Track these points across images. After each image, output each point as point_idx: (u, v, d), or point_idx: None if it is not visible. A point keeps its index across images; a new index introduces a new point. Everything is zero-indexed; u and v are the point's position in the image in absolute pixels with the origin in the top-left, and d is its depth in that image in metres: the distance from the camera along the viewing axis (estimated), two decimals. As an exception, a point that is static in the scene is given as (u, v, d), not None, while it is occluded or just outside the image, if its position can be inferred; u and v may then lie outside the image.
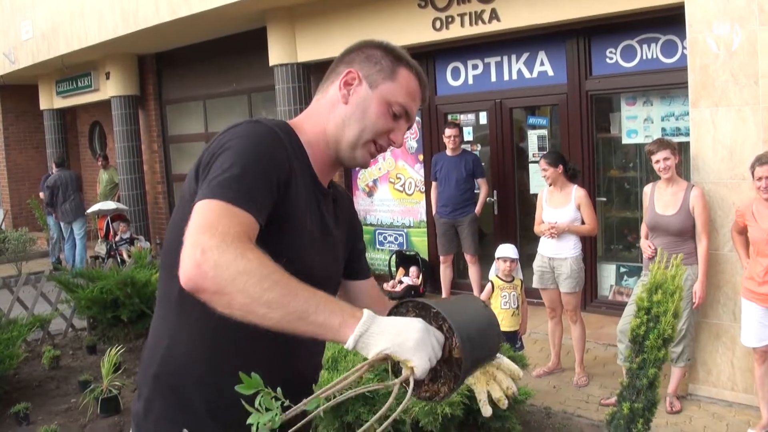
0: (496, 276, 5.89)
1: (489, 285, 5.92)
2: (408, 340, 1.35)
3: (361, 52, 1.83)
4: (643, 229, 5.64)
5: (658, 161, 5.30)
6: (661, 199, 5.41)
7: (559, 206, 6.04)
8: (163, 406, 1.72)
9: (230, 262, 1.36)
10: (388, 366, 1.41)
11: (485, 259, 8.10)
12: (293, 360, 1.78)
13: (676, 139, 6.77)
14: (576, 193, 6.04)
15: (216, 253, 1.37)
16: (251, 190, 1.53)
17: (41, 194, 13.40)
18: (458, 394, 4.38)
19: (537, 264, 6.19)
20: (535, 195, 8.06)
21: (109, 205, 11.85)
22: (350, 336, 1.35)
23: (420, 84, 1.84)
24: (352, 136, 1.79)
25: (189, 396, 1.70)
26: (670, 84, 6.94)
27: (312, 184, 1.77)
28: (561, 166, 6.06)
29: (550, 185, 6.11)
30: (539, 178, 8.17)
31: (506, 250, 5.89)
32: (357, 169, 10.11)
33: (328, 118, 1.81)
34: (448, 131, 8.06)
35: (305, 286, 1.40)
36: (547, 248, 6.09)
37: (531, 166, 8.38)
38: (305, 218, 1.72)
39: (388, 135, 1.82)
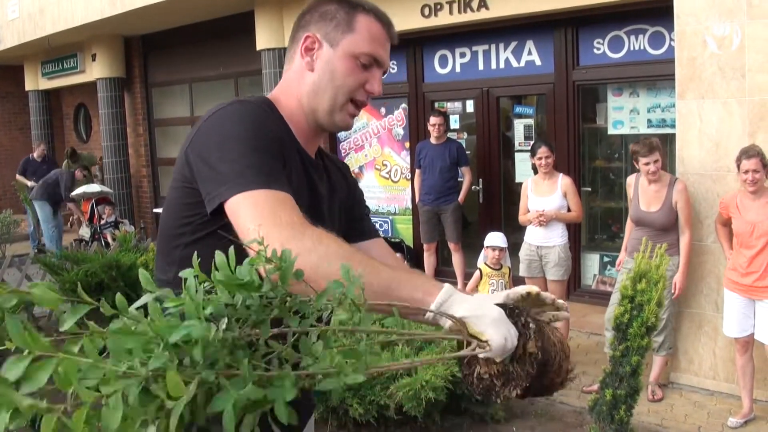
0: (485, 264, 5.90)
1: (477, 272, 5.94)
2: (487, 316, 1.33)
3: (315, 12, 1.76)
4: (628, 225, 5.69)
5: (647, 164, 5.26)
6: (645, 195, 5.45)
7: (546, 194, 6.07)
8: None
9: (310, 249, 1.36)
10: (462, 342, 1.37)
11: (469, 248, 8.14)
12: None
13: (661, 131, 6.83)
14: (562, 180, 6.07)
15: (293, 244, 1.35)
16: (273, 169, 1.53)
17: (18, 177, 13.28)
18: (441, 379, 4.42)
19: (524, 253, 6.21)
20: (521, 184, 8.10)
21: (94, 188, 11.80)
22: (432, 303, 1.35)
23: (383, 25, 1.76)
24: (327, 102, 1.73)
25: None
26: (657, 75, 6.97)
27: (299, 156, 1.74)
28: (554, 155, 6.12)
29: (545, 173, 6.09)
30: (525, 166, 8.20)
31: (495, 239, 5.90)
32: (343, 154, 10.12)
33: (299, 89, 1.76)
34: (432, 119, 8.06)
35: (384, 265, 1.41)
36: (534, 237, 6.12)
37: (517, 155, 8.41)
38: (298, 189, 1.67)
39: (364, 88, 1.75)
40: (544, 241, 6.06)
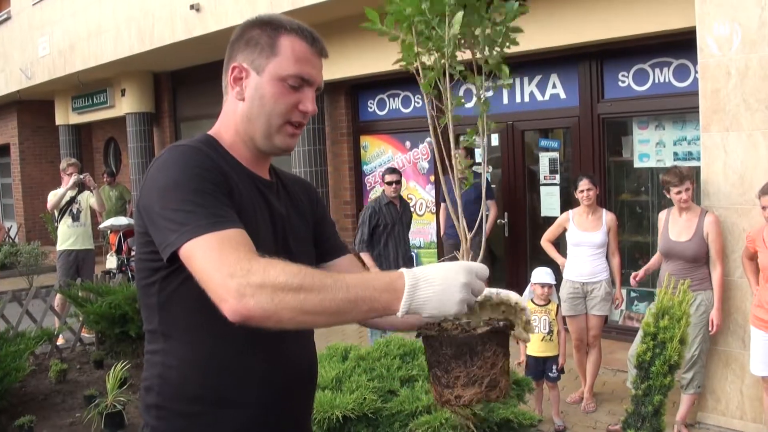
0: (530, 300, 5.70)
1: None
2: (446, 306, 1.42)
3: (241, 40, 1.77)
4: (656, 256, 5.61)
5: (679, 192, 5.25)
6: (675, 226, 5.38)
7: (590, 229, 5.99)
8: (168, 431, 1.72)
9: (260, 286, 1.39)
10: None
11: (496, 282, 8.06)
12: (288, 355, 1.79)
13: (688, 164, 6.74)
14: (606, 216, 6.01)
15: (245, 288, 1.39)
16: (216, 208, 1.55)
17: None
18: (462, 417, 4.34)
19: (567, 291, 6.08)
20: (547, 218, 8.03)
21: (122, 220, 11.87)
22: (399, 311, 1.43)
23: (308, 42, 1.75)
24: (261, 128, 1.74)
25: (191, 417, 1.70)
26: (683, 108, 6.91)
27: (249, 180, 1.76)
28: (598, 188, 6.05)
29: (588, 206, 5.99)
30: (551, 200, 8.14)
31: (543, 276, 5.66)
32: (368, 188, 10.12)
33: (235, 119, 1.77)
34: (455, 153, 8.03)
35: (336, 281, 1.43)
36: (579, 273, 6.03)
37: (542, 189, 8.35)
38: (256, 216, 1.71)
39: (297, 108, 1.74)
40: (591, 276, 5.97)
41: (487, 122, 1.77)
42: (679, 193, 5.26)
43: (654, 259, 5.74)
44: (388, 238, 7.21)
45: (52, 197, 8.88)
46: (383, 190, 7.41)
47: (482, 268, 1.47)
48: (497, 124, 1.75)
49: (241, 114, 1.76)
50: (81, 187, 8.98)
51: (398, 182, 7.39)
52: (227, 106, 1.81)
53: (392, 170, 7.51)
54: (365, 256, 7.11)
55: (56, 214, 9.00)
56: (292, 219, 1.86)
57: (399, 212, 7.41)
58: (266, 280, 1.39)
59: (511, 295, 1.65)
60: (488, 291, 1.63)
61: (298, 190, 1.98)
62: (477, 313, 1.61)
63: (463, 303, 1.42)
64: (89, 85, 14.02)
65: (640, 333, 5.15)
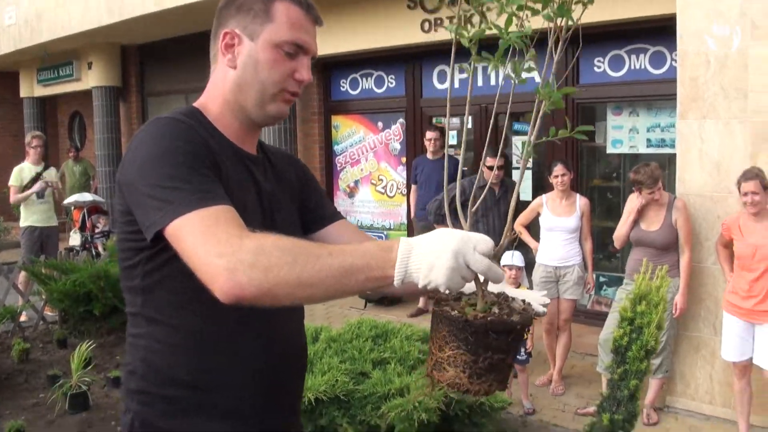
0: None
1: None
2: (439, 270, 1.31)
3: (232, 5, 1.69)
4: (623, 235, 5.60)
5: (652, 192, 5.23)
6: (645, 215, 5.39)
7: (563, 214, 5.99)
8: (153, 416, 1.65)
9: (253, 263, 1.32)
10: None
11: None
12: (279, 337, 1.73)
13: (661, 151, 6.76)
14: (580, 201, 6.02)
15: (236, 265, 1.32)
16: (202, 183, 1.47)
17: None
18: (435, 400, 4.31)
19: (540, 275, 6.08)
20: (519, 201, 8.01)
21: (86, 197, 11.68)
22: (395, 280, 1.34)
23: (303, 9, 1.68)
24: (254, 96, 1.66)
25: (177, 402, 1.64)
26: (658, 95, 6.92)
27: (235, 156, 1.68)
28: (572, 173, 6.02)
29: (562, 191, 5.99)
30: (523, 184, 8.11)
31: (511, 258, 5.64)
32: (338, 168, 10.04)
33: (224, 88, 1.69)
34: (428, 134, 8.00)
35: (331, 251, 1.35)
36: (551, 257, 6.03)
37: (515, 172, 8.33)
38: (242, 192, 1.63)
39: (293, 77, 1.67)
40: (563, 261, 5.98)
41: (549, 96, 1.63)
42: (651, 193, 5.25)
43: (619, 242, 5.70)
44: (485, 227, 6.63)
45: (15, 181, 8.69)
46: (482, 172, 6.61)
47: (484, 241, 1.35)
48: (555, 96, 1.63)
49: (232, 82, 1.68)
50: (46, 164, 8.84)
51: (501, 167, 6.61)
52: (215, 75, 1.73)
53: (494, 152, 6.51)
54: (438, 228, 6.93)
55: (20, 189, 8.81)
56: (278, 195, 1.78)
57: (496, 198, 6.67)
58: (259, 256, 1.32)
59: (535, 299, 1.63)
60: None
61: (284, 164, 1.90)
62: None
63: (454, 272, 1.30)
64: (55, 57, 13.74)
65: (611, 317, 5.17)
